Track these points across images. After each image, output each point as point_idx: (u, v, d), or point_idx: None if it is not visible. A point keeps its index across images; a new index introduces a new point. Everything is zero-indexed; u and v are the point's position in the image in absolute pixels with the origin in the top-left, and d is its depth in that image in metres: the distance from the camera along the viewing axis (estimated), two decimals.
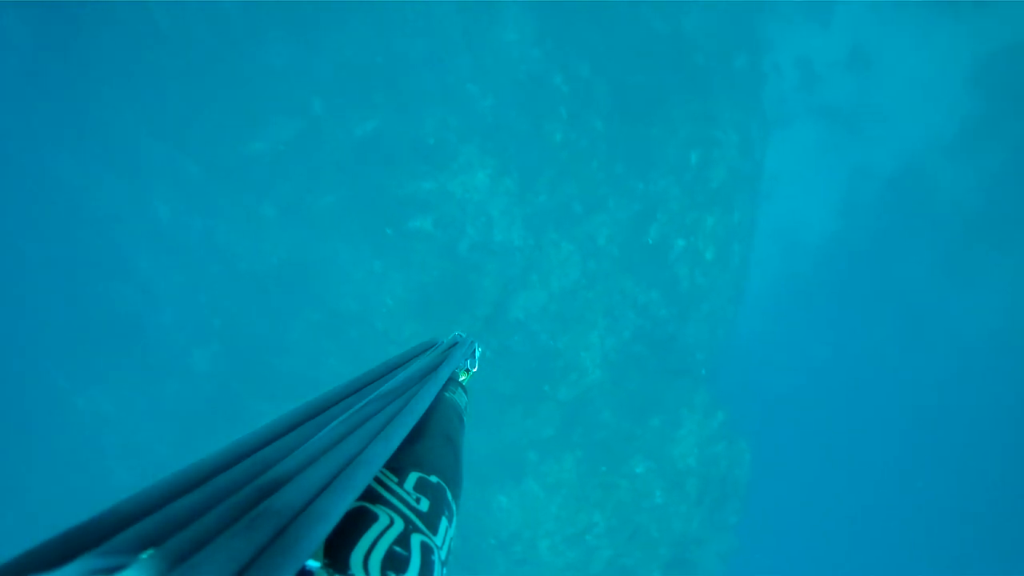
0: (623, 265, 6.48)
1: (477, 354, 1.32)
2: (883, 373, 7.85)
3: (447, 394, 1.04)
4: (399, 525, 0.65)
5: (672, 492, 6.98)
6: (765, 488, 7.12)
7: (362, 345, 6.57)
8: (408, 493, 0.72)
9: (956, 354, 8.35)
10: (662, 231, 6.52)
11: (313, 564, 0.56)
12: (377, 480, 0.72)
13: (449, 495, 0.78)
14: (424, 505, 0.72)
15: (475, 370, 1.33)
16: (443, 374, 0.95)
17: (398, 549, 0.62)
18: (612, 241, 6.42)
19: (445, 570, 0.68)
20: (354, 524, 0.63)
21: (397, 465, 0.76)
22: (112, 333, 6.67)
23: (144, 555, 0.40)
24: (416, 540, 0.65)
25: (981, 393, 8.64)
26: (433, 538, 0.68)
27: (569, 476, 6.95)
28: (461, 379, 1.24)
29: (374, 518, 0.65)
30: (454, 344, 1.17)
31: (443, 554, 0.69)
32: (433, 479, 0.78)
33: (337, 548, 0.59)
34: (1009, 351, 8.44)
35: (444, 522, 0.73)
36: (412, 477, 0.75)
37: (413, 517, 0.68)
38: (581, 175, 6.34)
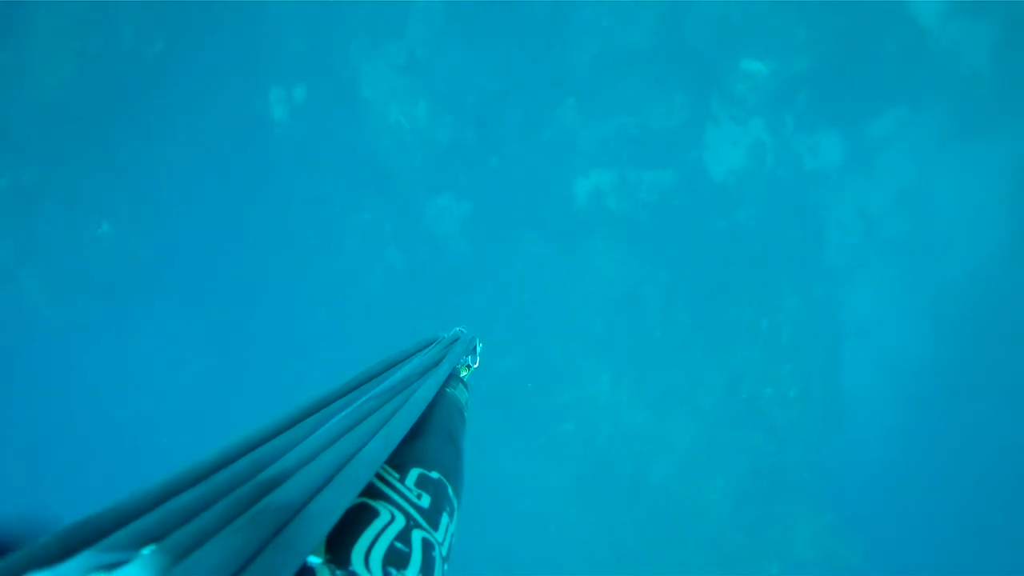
0: (727, 420, 7.99)
1: (479, 350, 1.33)
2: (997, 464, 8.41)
3: (448, 390, 1.04)
4: (400, 521, 0.67)
5: None
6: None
7: (531, 524, 8.13)
8: (409, 489, 0.73)
9: None
10: (751, 386, 8.03)
11: (315, 560, 0.57)
12: (378, 476, 0.72)
13: (450, 491, 0.79)
14: (425, 501, 0.73)
15: (476, 366, 1.32)
16: (444, 370, 0.96)
17: (399, 545, 0.63)
18: (716, 405, 7.95)
19: (446, 566, 0.69)
20: (355, 520, 0.63)
21: (398, 461, 0.77)
22: None
23: (145, 551, 0.41)
24: (417, 536, 0.66)
25: None
26: (434, 534, 0.69)
27: None
28: (462, 375, 1.24)
29: (375, 514, 0.66)
30: (455, 340, 1.18)
31: (444, 550, 0.70)
32: (434, 475, 0.78)
33: (339, 544, 0.60)
34: None
35: (445, 518, 0.74)
36: (413, 473, 0.76)
37: (414, 513, 0.69)
38: (681, 359, 7.89)
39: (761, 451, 8.08)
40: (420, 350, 1.02)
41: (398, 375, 0.85)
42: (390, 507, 0.68)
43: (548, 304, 7.74)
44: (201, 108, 7.39)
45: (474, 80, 7.49)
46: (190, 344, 8.49)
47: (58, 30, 6.92)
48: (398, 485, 0.72)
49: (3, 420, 8.80)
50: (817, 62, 7.72)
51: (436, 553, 0.67)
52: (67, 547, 0.40)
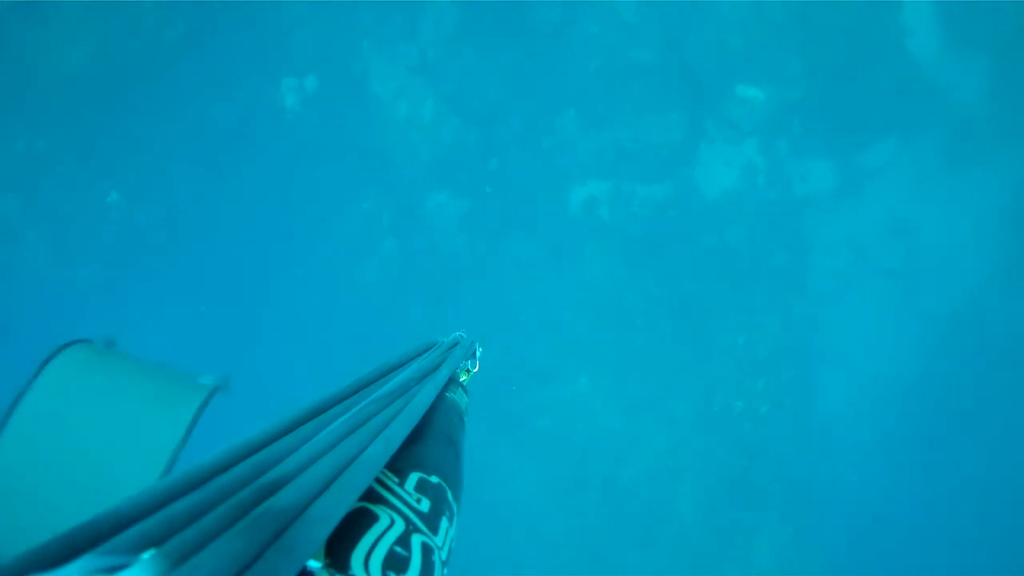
0: (699, 429, 8.28)
1: (478, 354, 1.34)
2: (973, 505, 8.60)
3: (448, 394, 1.05)
4: (400, 525, 0.67)
5: None
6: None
7: (501, 514, 8.41)
8: (409, 494, 0.74)
9: None
10: (723, 398, 8.32)
11: (314, 564, 0.57)
12: (378, 480, 0.73)
13: (450, 495, 0.80)
14: (425, 506, 0.73)
15: (475, 370, 1.34)
16: (444, 374, 0.97)
17: (399, 549, 0.64)
18: (689, 413, 8.24)
19: (446, 570, 0.70)
20: (355, 524, 0.64)
21: (398, 466, 0.78)
22: None
23: (145, 555, 0.41)
24: (417, 540, 0.67)
25: None
26: (434, 538, 0.70)
27: None
28: (462, 379, 1.26)
29: (375, 518, 0.66)
30: (455, 344, 1.18)
31: (443, 554, 0.71)
32: (434, 479, 0.79)
33: (338, 548, 0.60)
34: None
35: (445, 522, 0.74)
36: (413, 478, 0.77)
37: (414, 517, 0.70)
38: (658, 367, 8.18)
39: (729, 462, 8.37)
40: (420, 354, 1.03)
41: (398, 379, 0.86)
42: (390, 511, 0.68)
43: (535, 304, 8.02)
44: (215, 92, 7.66)
45: (481, 85, 7.76)
46: (186, 316, 8.77)
47: (84, 9, 7.19)
48: (397, 489, 0.73)
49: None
50: (811, 92, 7.99)
51: (436, 558, 0.68)
52: (67, 551, 0.40)
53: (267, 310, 8.49)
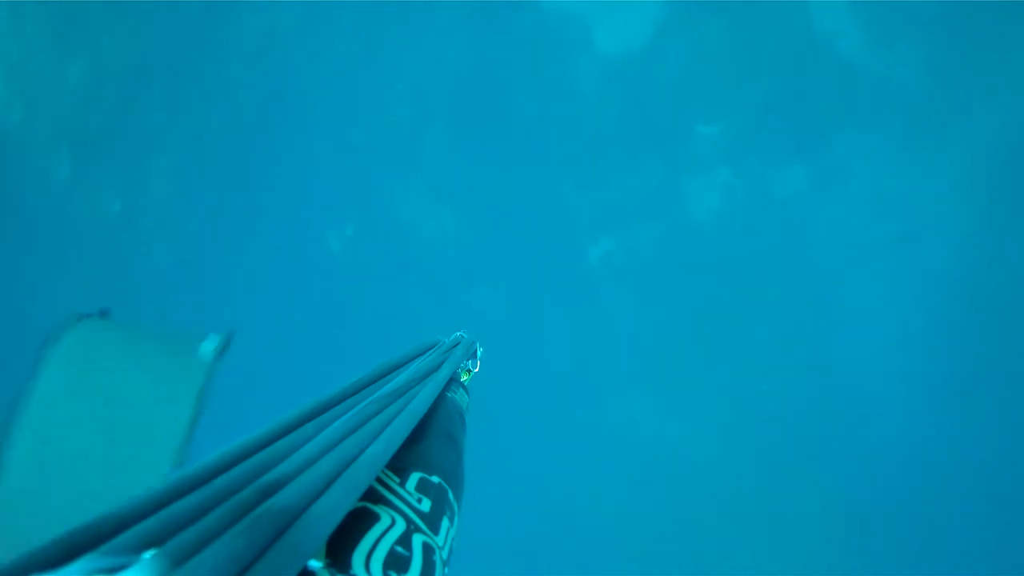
0: (742, 418, 9.61)
1: (479, 354, 1.36)
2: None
3: (449, 394, 1.06)
4: (401, 525, 0.68)
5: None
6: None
7: (595, 526, 9.83)
8: (410, 493, 0.74)
9: None
10: (755, 385, 9.62)
11: (315, 564, 0.58)
12: (379, 480, 0.74)
13: (451, 495, 0.81)
14: (426, 505, 0.74)
15: (476, 370, 1.36)
16: (444, 374, 0.98)
17: (400, 549, 0.64)
18: (729, 407, 9.57)
19: (447, 570, 0.70)
20: (356, 524, 0.64)
21: (399, 465, 0.78)
22: None
23: (147, 555, 0.41)
24: (418, 540, 0.67)
25: None
26: (435, 538, 0.70)
27: None
28: (463, 379, 1.27)
29: (376, 518, 0.67)
30: (456, 344, 1.20)
31: (444, 554, 0.71)
32: (435, 479, 0.80)
33: (339, 548, 0.61)
34: None
35: (446, 522, 0.75)
36: (414, 477, 0.77)
37: (415, 517, 0.71)
38: (694, 376, 9.53)
39: (772, 437, 9.66)
40: (421, 354, 1.05)
41: (399, 379, 0.87)
42: (390, 511, 0.70)
43: (583, 353, 9.41)
44: (277, 255, 9.20)
45: (486, 187, 9.16)
46: None
47: (160, 213, 8.81)
48: (398, 489, 0.74)
49: None
50: (762, 113, 9.21)
51: (436, 557, 0.69)
52: (68, 551, 0.41)
53: None
